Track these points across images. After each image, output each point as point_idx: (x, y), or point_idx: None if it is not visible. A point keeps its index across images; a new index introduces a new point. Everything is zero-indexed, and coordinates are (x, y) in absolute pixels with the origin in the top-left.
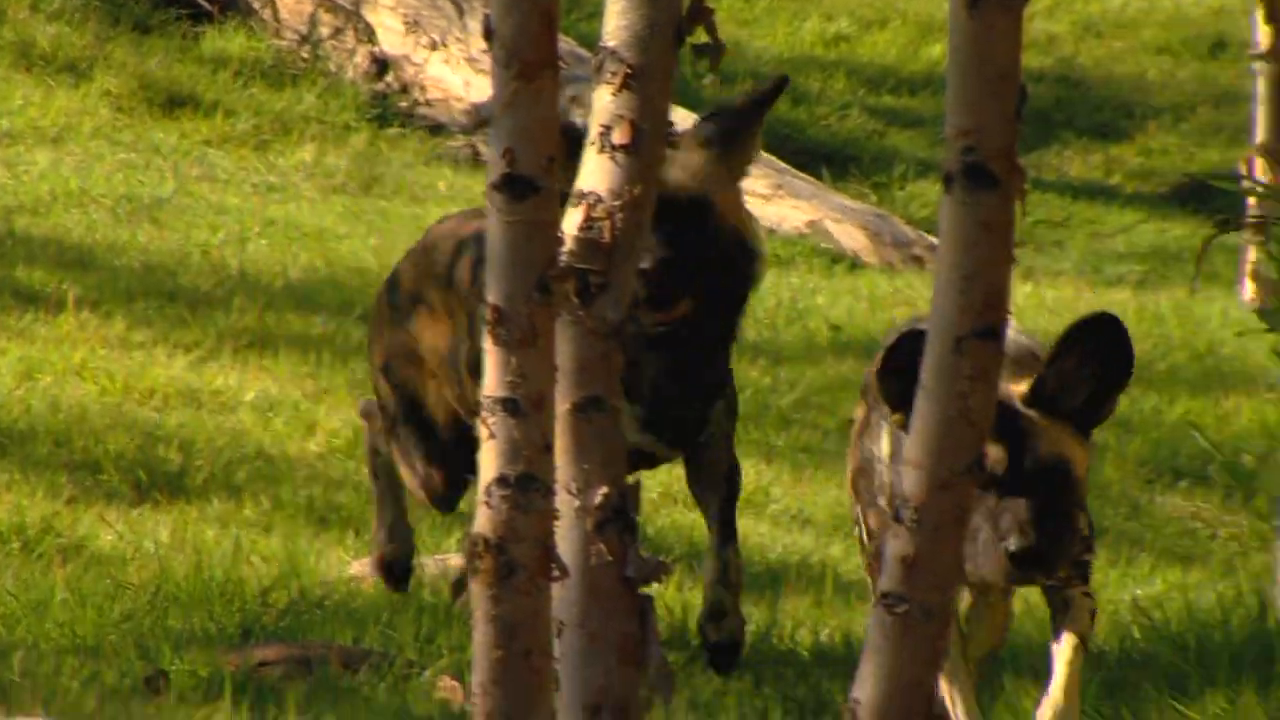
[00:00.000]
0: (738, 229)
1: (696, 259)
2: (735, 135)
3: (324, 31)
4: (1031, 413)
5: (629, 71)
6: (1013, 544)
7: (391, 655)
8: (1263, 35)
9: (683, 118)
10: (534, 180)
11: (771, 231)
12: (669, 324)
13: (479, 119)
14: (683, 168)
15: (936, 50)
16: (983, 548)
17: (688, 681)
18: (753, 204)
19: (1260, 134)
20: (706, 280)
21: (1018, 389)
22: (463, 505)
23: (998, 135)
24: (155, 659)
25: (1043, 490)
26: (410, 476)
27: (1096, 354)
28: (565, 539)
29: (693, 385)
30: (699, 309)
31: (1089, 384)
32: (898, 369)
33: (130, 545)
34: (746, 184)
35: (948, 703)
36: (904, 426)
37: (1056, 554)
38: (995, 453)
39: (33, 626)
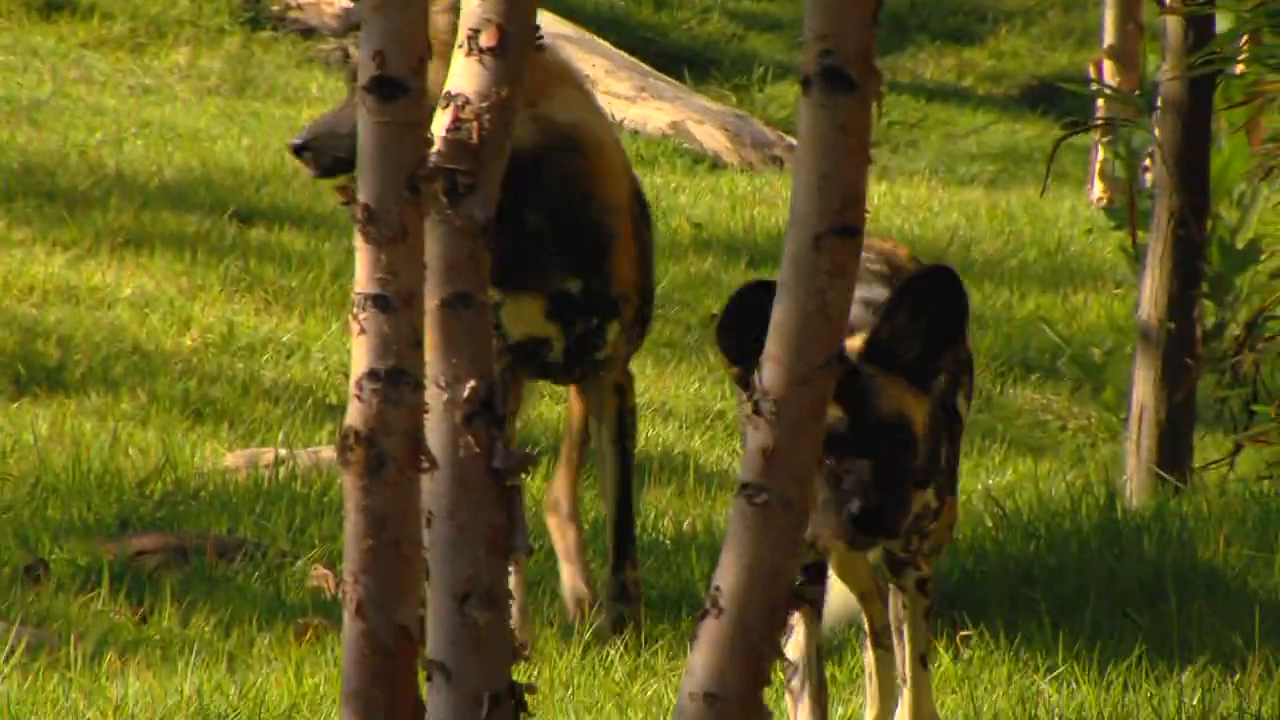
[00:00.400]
0: None
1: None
2: None
3: None
4: (869, 369)
5: None
6: (854, 506)
7: (265, 545)
8: None
9: (550, 21)
10: (403, 82)
11: (635, 132)
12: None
13: (349, 23)
14: None
15: None
16: (823, 510)
17: (551, 570)
18: (617, 106)
19: (1108, 37)
20: None
21: (853, 345)
22: (334, 398)
23: (855, 39)
24: (35, 548)
25: (885, 449)
26: None
27: (930, 307)
28: (435, 432)
29: (521, 266)
30: None
31: (923, 337)
32: (735, 322)
33: (10, 438)
34: (610, 86)
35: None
36: (740, 381)
37: (899, 516)
38: (834, 411)
39: None
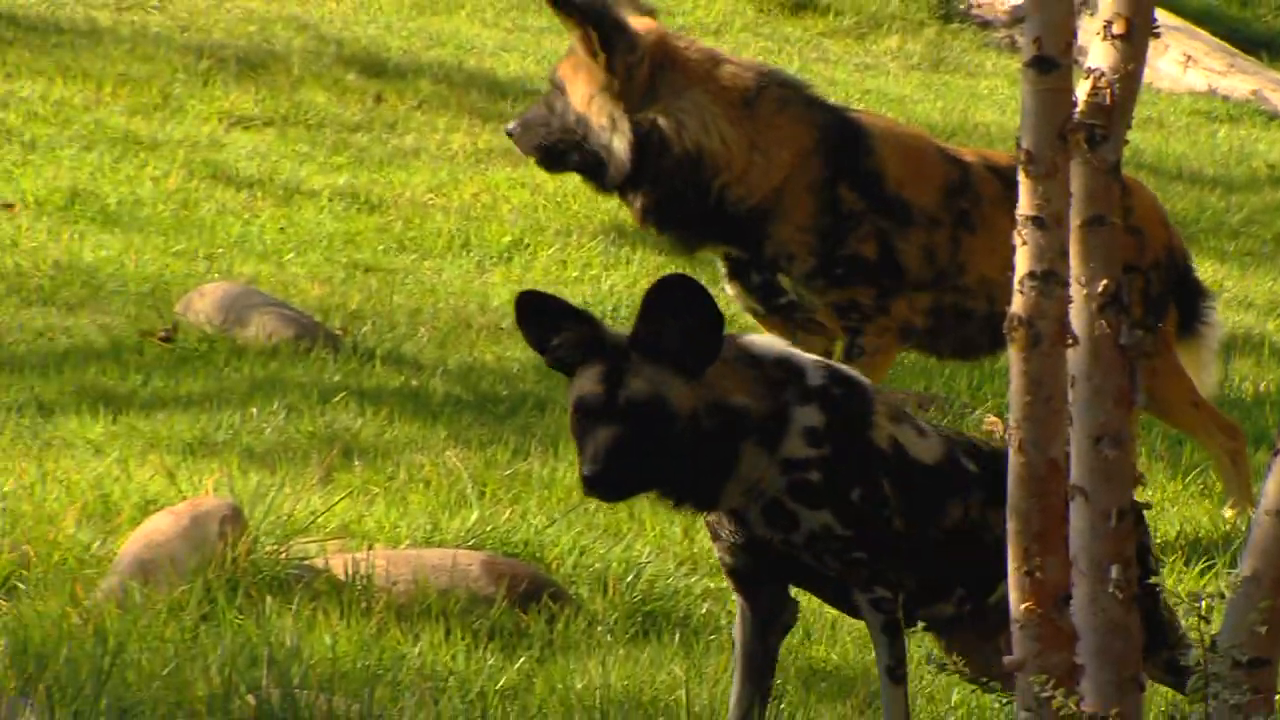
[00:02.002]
0: (582, 115)
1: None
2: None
3: None
4: (635, 356)
5: None
6: (587, 469)
7: (952, 399)
8: None
9: (1163, 16)
10: (1055, 60)
11: (1225, 98)
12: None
13: (1016, 16)
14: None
15: None
16: (580, 467)
17: None
18: (1213, 78)
19: None
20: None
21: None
22: None
23: None
24: None
25: (632, 422)
26: None
27: (676, 305)
28: (1076, 317)
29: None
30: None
31: (680, 331)
32: (525, 325)
33: None
34: (1208, 64)
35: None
36: (554, 366)
37: (631, 481)
38: (591, 387)
39: None
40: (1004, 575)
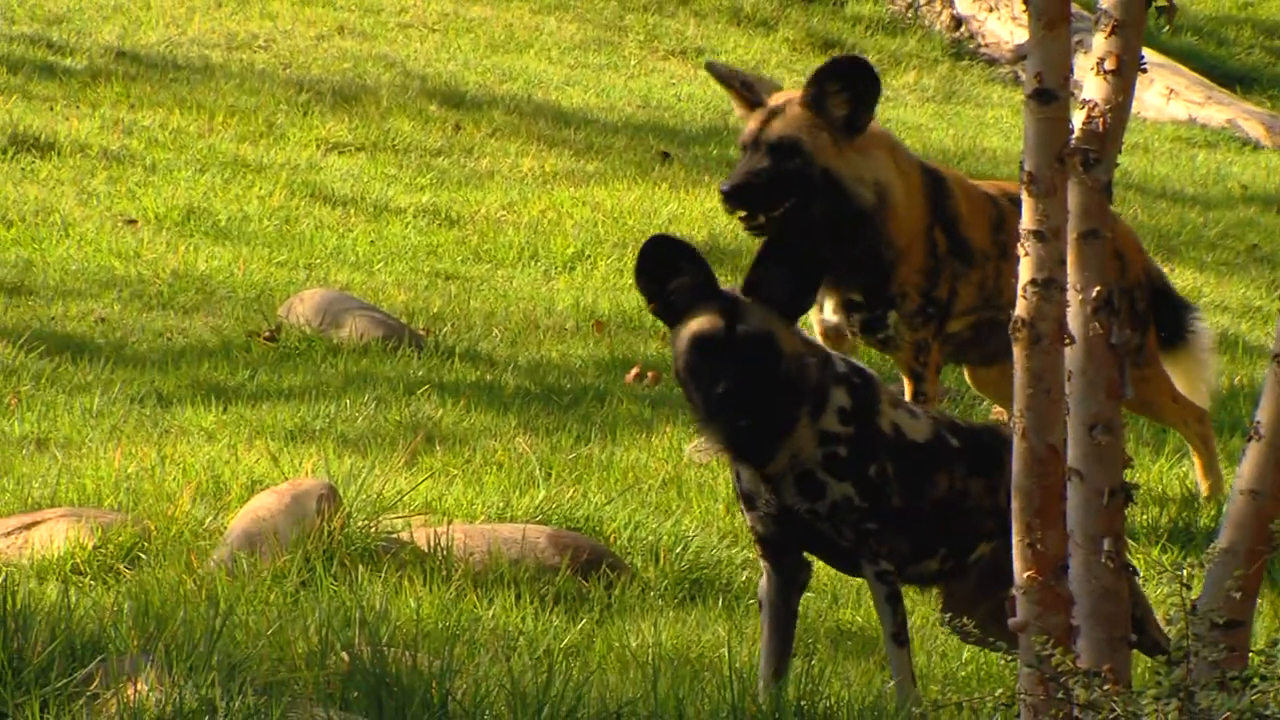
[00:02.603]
0: (828, 169)
1: (772, 185)
2: (824, 101)
3: (922, 0)
4: (746, 299)
5: (1115, 23)
6: (720, 387)
7: (963, 391)
8: None
9: (1149, 53)
10: (1055, 92)
11: (1203, 126)
12: (751, 227)
13: (1019, 55)
14: (781, 120)
15: None
16: (702, 398)
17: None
18: (1192, 108)
19: None
20: (795, 198)
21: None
22: None
23: None
24: None
25: (748, 355)
26: None
27: (788, 255)
28: (1073, 319)
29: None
30: (785, 220)
31: (788, 282)
32: (646, 269)
33: None
34: (1188, 95)
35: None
36: (658, 315)
37: (746, 410)
38: (712, 324)
39: None
40: (983, 537)
